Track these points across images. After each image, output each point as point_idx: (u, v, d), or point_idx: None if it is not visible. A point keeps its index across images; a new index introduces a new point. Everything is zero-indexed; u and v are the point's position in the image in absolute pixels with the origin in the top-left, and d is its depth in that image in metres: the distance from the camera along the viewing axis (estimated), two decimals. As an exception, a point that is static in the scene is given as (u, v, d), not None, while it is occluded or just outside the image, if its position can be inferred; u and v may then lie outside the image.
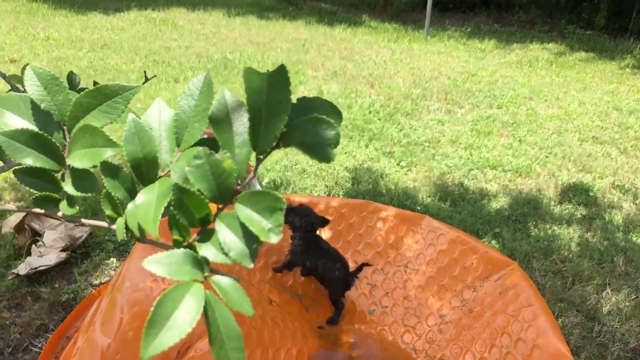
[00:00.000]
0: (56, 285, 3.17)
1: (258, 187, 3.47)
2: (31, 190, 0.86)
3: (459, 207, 4.54)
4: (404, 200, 4.54)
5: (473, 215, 4.35)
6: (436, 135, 6.26)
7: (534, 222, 4.32)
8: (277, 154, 5.41)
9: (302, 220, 2.90)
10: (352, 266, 3.12)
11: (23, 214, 3.59)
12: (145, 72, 0.81)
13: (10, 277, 3.13)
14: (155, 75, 0.91)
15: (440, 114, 7.02)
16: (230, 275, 0.75)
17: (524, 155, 5.77)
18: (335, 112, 0.75)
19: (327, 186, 4.78)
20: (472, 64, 9.87)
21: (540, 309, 2.66)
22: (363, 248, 3.29)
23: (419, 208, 4.43)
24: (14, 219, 3.59)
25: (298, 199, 3.43)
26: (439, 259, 3.14)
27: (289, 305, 3.05)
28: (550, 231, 4.20)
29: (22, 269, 3.16)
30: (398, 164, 5.46)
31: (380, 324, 3.02)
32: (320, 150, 0.67)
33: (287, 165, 5.13)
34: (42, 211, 0.89)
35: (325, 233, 3.34)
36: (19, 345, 2.73)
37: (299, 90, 7.70)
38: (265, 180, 4.77)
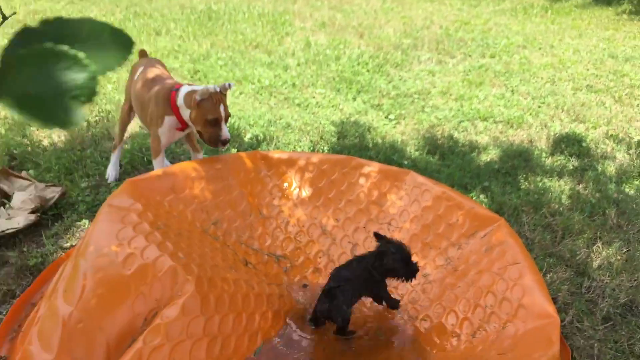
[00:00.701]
0: (24, 249, 3.04)
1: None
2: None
3: (447, 160, 4.39)
4: (391, 154, 4.39)
5: (462, 169, 4.21)
6: (426, 87, 6.07)
7: (524, 175, 4.19)
8: (261, 108, 5.24)
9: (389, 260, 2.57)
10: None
11: (-9, 175, 3.44)
12: (0, 9, 0.64)
13: (-25, 242, 3.00)
14: (15, 12, 0.74)
15: (431, 65, 6.80)
16: None
17: (516, 105, 5.59)
18: (120, 41, 0.46)
19: (311, 141, 4.62)
20: (466, 12, 9.57)
21: (527, 267, 2.55)
22: (345, 205, 3.16)
23: (406, 162, 4.29)
24: (-19, 181, 3.44)
25: (277, 155, 3.29)
26: (423, 216, 3.02)
27: (266, 266, 2.93)
28: (540, 184, 4.07)
29: (-12, 233, 3.03)
30: (386, 117, 5.28)
31: (362, 284, 2.91)
32: (54, 109, 0.39)
33: (271, 120, 4.95)
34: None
35: (305, 190, 3.21)
36: (-16, 313, 2.62)
37: (286, 41, 7.44)
38: (248, 135, 4.61)
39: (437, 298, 2.70)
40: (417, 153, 4.52)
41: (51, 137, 4.35)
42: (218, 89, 2.97)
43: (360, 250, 3.01)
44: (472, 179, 4.07)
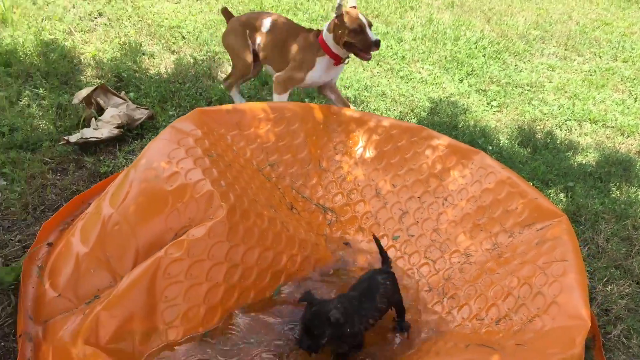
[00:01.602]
0: (101, 158, 3.29)
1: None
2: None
3: (537, 155, 4.16)
4: (477, 137, 4.23)
5: (549, 165, 3.97)
6: (541, 80, 5.74)
7: (617, 184, 3.87)
8: (362, 74, 5.22)
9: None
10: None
11: (92, 88, 3.73)
12: None
13: (61, 143, 3.29)
14: None
15: (553, 59, 6.41)
16: None
17: (634, 113, 5.15)
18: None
19: (401, 112, 4.55)
20: (611, 13, 8.87)
21: (573, 266, 2.38)
22: (405, 173, 3.10)
23: (490, 148, 4.11)
24: (84, 92, 3.74)
25: (350, 112, 3.28)
26: (481, 197, 2.90)
27: (311, 215, 2.97)
28: (633, 195, 3.75)
29: (74, 137, 3.30)
30: (488, 103, 5.08)
31: (401, 251, 2.87)
32: None
33: (368, 86, 4.93)
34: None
35: (369, 151, 3.18)
36: (51, 205, 2.88)
37: (408, 15, 7.32)
38: (340, 96, 4.62)
39: (472, 280, 2.60)
40: (507, 142, 4.32)
41: (158, 67, 4.62)
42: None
43: (409, 220, 2.96)
44: (557, 177, 3.83)
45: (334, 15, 3.21)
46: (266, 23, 3.63)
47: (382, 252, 2.58)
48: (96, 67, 4.36)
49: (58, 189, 2.99)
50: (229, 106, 3.03)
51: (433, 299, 2.62)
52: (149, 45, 5.09)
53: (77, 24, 4.93)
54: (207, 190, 2.39)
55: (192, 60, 4.84)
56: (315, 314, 2.17)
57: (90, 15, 5.20)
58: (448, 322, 2.48)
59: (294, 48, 3.50)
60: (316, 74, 3.49)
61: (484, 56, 6.22)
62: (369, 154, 3.18)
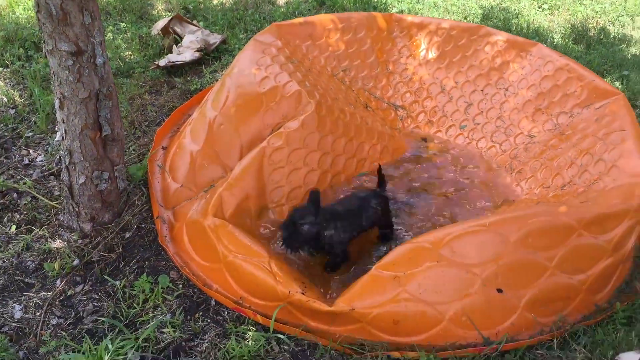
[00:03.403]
0: (188, 78, 3.64)
1: None
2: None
3: (592, 50, 4.30)
4: (531, 37, 4.37)
5: (604, 58, 4.12)
6: (592, -20, 5.75)
7: (672, 69, 4.01)
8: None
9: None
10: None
11: (168, 18, 4.05)
12: None
13: (152, 67, 3.65)
14: None
15: (604, -42, 6.35)
16: None
17: (689, 4, 5.16)
18: None
19: (455, 20, 4.72)
20: None
21: (632, 135, 2.60)
22: (467, 69, 3.34)
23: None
24: (161, 23, 4.07)
25: (410, 18, 3.50)
26: (541, 85, 3.12)
27: (384, 112, 3.26)
28: (688, 79, 3.89)
29: (162, 62, 3.66)
30: (540, 7, 5.18)
31: (469, 138, 3.16)
32: None
33: (420, -1, 5.10)
34: None
35: (431, 52, 3.42)
36: (154, 121, 3.25)
37: None
38: (394, 10, 4.82)
39: (536, 156, 2.87)
40: (560, 40, 4.46)
41: (220, -3, 4.90)
42: None
43: (474, 110, 3.23)
44: (612, 67, 3.99)
45: None
46: None
47: (381, 177, 2.54)
48: (165, 2, 4.67)
49: (156, 107, 3.37)
50: (300, 19, 3.31)
51: (501, 175, 2.92)
52: (207, -24, 5.35)
53: (140, -37, 5.22)
54: (296, 90, 2.71)
55: (251, -12, 5.09)
56: (291, 219, 2.23)
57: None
58: (517, 192, 2.78)
59: None
60: None
61: (531, -39, 6.23)
62: (432, 54, 3.42)
